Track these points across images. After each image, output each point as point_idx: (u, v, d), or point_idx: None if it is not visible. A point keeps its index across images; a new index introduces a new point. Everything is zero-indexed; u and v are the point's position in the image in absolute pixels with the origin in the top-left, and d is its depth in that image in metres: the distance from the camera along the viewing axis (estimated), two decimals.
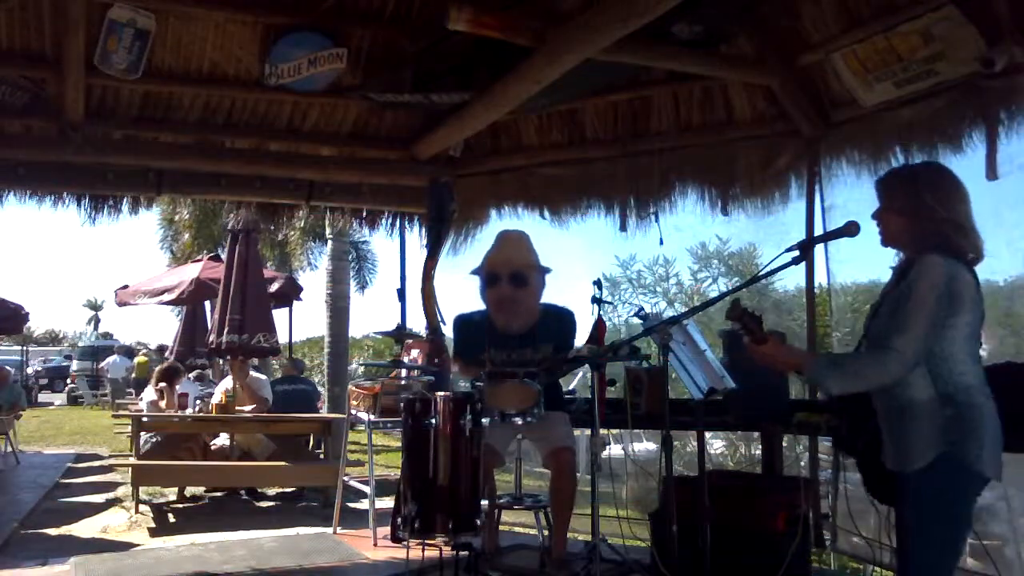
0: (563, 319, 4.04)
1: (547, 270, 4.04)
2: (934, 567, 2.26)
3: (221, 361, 10.64)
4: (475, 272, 4.10)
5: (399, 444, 4.40)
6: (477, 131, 5.22)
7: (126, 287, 10.96)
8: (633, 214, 5.44)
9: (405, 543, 3.34)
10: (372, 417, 5.44)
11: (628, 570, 3.82)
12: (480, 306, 4.15)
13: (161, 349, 16.35)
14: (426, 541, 3.24)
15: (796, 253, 2.47)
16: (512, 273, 3.92)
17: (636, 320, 3.79)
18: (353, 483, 6.11)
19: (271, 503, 7.62)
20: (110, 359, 21.56)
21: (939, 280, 2.22)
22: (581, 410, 4.18)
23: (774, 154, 4.90)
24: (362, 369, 14.65)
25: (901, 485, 2.32)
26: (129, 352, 22.96)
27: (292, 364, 9.62)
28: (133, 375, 19.18)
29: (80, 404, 22.33)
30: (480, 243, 6.01)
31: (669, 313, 9.05)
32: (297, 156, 5.56)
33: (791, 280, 9.44)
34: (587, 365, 3.78)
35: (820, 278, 5.33)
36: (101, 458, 10.80)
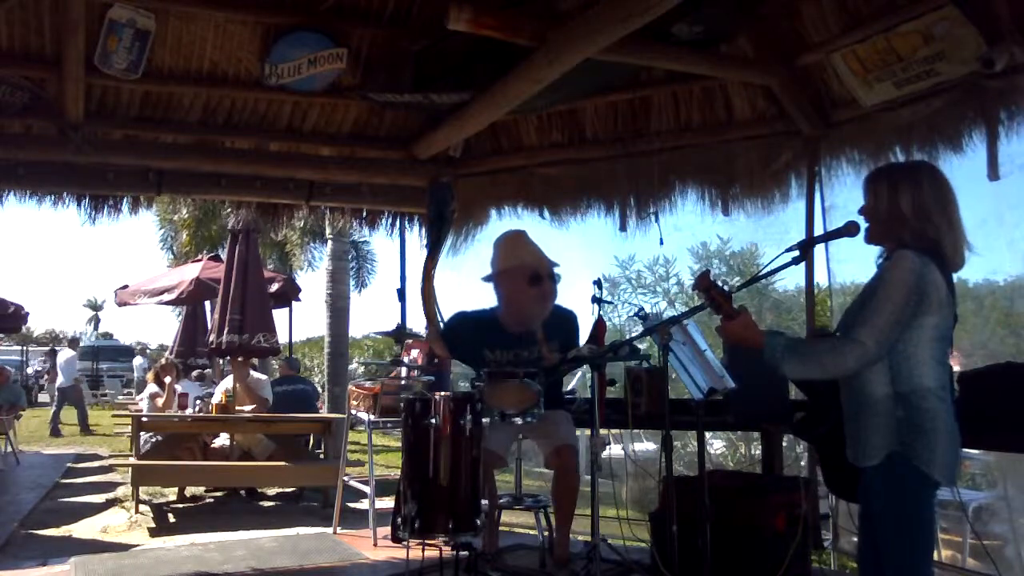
0: (568, 319, 4.05)
1: None
2: (895, 566, 2.25)
3: (221, 361, 10.65)
4: (496, 274, 4.04)
5: (399, 444, 4.40)
6: (477, 131, 5.22)
7: (126, 287, 10.96)
8: (633, 214, 5.44)
9: (405, 543, 3.34)
10: (372, 417, 5.44)
11: (628, 570, 3.82)
12: (480, 306, 4.17)
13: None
14: (426, 541, 3.24)
15: (796, 253, 2.46)
16: (550, 272, 3.96)
17: (636, 320, 3.79)
18: (353, 483, 6.11)
19: (271, 503, 7.62)
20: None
21: (908, 276, 2.21)
22: (581, 410, 4.19)
23: (774, 154, 4.90)
24: (362, 369, 14.66)
25: (860, 480, 2.34)
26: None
27: (287, 363, 9.59)
28: None
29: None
30: (480, 243, 6.02)
31: (669, 313, 9.06)
32: (297, 156, 5.56)
33: (791, 280, 9.46)
34: (587, 365, 3.78)
35: (820, 278, 5.33)
36: (101, 458, 10.80)
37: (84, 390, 22.74)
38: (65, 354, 15.79)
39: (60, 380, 15.08)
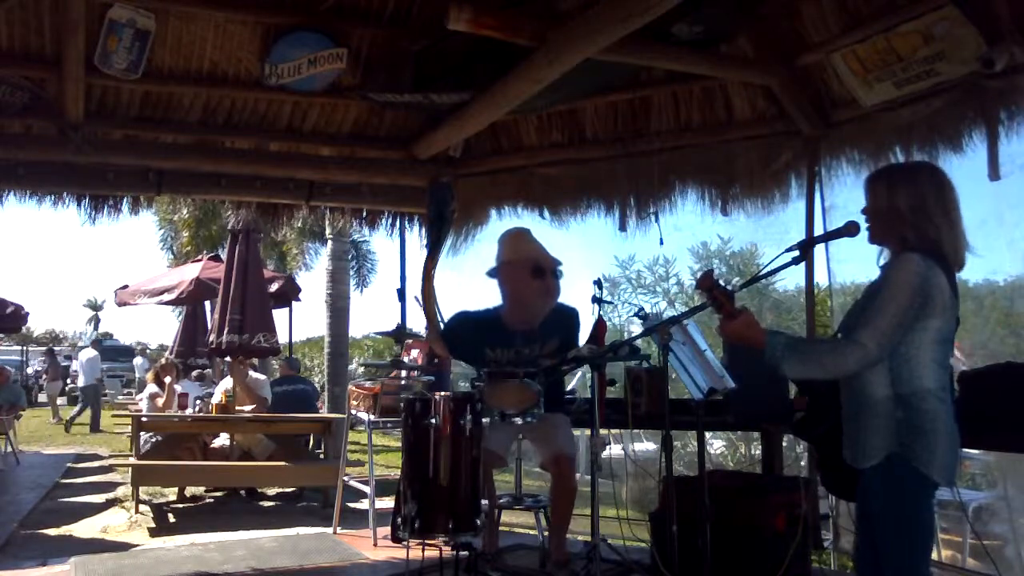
0: (569, 316, 4.06)
1: None
2: (893, 566, 2.25)
3: (221, 361, 10.65)
4: (499, 266, 4.07)
5: (399, 444, 4.40)
6: (477, 131, 5.22)
7: (126, 287, 10.97)
8: (633, 214, 5.44)
9: (405, 543, 3.34)
10: (372, 417, 5.44)
11: (628, 570, 3.82)
12: (480, 306, 4.17)
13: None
14: (426, 541, 3.24)
15: (796, 253, 2.46)
16: (553, 268, 3.99)
17: (636, 320, 3.79)
18: (353, 483, 6.11)
19: (271, 503, 7.63)
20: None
21: (913, 279, 2.21)
22: (581, 410, 4.19)
23: (774, 154, 4.89)
24: (362, 369, 14.66)
25: (859, 481, 2.34)
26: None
27: (287, 363, 9.59)
28: None
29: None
30: (480, 243, 6.02)
31: (669, 313, 9.05)
32: (297, 156, 5.56)
33: (791, 280, 9.46)
34: (587, 365, 3.79)
35: (820, 278, 5.33)
36: (101, 458, 10.81)
37: None
38: (87, 353, 16.19)
39: (82, 380, 15.54)
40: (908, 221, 2.30)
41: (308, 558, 4.73)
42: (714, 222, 5.31)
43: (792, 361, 2.32)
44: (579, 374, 6.16)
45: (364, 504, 6.32)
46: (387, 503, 5.71)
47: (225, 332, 7.95)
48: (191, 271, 10.53)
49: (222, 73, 4.98)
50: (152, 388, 8.14)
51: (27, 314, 11.26)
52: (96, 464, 10.27)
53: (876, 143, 4.40)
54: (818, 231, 4.68)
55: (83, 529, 6.33)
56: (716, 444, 8.53)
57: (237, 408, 7.27)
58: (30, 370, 24.86)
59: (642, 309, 4.23)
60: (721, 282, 2.45)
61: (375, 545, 4.98)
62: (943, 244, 2.29)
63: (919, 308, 2.21)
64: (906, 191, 2.34)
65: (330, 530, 5.58)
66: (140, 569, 4.50)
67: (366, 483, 5.65)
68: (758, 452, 5.97)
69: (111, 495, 7.73)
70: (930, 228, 2.29)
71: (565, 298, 4.10)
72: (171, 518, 6.89)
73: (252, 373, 7.85)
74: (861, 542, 2.43)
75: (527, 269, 3.94)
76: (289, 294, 10.98)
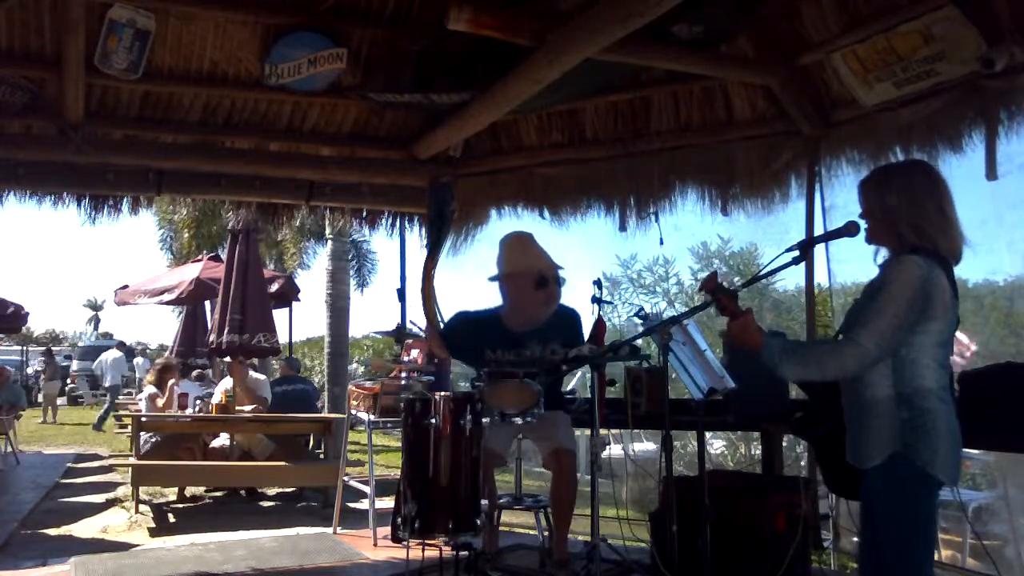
0: (572, 317, 4.07)
1: None
2: (896, 566, 2.26)
3: (221, 361, 10.65)
4: (503, 276, 4.08)
5: (399, 444, 4.40)
6: (477, 131, 5.22)
7: (126, 287, 10.97)
8: (633, 214, 5.44)
9: (405, 543, 3.34)
10: (372, 417, 5.44)
11: (628, 570, 3.82)
12: (480, 306, 4.17)
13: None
14: (426, 541, 3.24)
15: (796, 253, 2.47)
16: (555, 276, 4.00)
17: (636, 320, 3.79)
18: (353, 483, 6.11)
19: (271, 503, 7.63)
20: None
21: (914, 281, 2.21)
22: (581, 410, 4.19)
23: (774, 154, 4.89)
24: (362, 369, 14.66)
25: (861, 481, 2.34)
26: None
27: (287, 363, 9.59)
28: None
29: (80, 404, 22.35)
30: (480, 243, 6.02)
31: (669, 313, 9.06)
32: (297, 156, 5.56)
33: (791, 280, 9.46)
34: (587, 365, 3.79)
35: (820, 278, 5.33)
36: (101, 458, 10.81)
37: (84, 389, 22.86)
38: (113, 354, 17.03)
39: (108, 380, 16.58)
40: (904, 219, 2.31)
41: (308, 558, 4.73)
42: (714, 222, 5.32)
43: (791, 364, 2.33)
44: (579, 374, 6.16)
45: (364, 504, 6.32)
46: (387, 503, 5.71)
47: (225, 332, 7.95)
48: (191, 271, 10.54)
49: (222, 73, 4.98)
50: (151, 389, 8.14)
51: (27, 314, 11.27)
52: (96, 464, 10.28)
53: (876, 143, 4.40)
54: (818, 231, 4.68)
55: (83, 529, 6.33)
56: (716, 444, 8.54)
57: (237, 408, 7.27)
58: (30, 370, 24.85)
59: (642, 309, 4.23)
60: (724, 284, 2.46)
61: (375, 545, 4.98)
62: (940, 240, 2.29)
63: (920, 311, 2.21)
64: (900, 189, 2.34)
65: (330, 530, 5.58)
66: (140, 569, 4.50)
67: (366, 483, 5.65)
68: (758, 452, 5.98)
69: (111, 495, 7.74)
70: (927, 225, 2.29)
71: (564, 299, 4.11)
72: (171, 518, 6.89)
73: (252, 373, 7.85)
74: (864, 542, 2.43)
75: (531, 281, 3.96)
76: (289, 294, 10.99)
